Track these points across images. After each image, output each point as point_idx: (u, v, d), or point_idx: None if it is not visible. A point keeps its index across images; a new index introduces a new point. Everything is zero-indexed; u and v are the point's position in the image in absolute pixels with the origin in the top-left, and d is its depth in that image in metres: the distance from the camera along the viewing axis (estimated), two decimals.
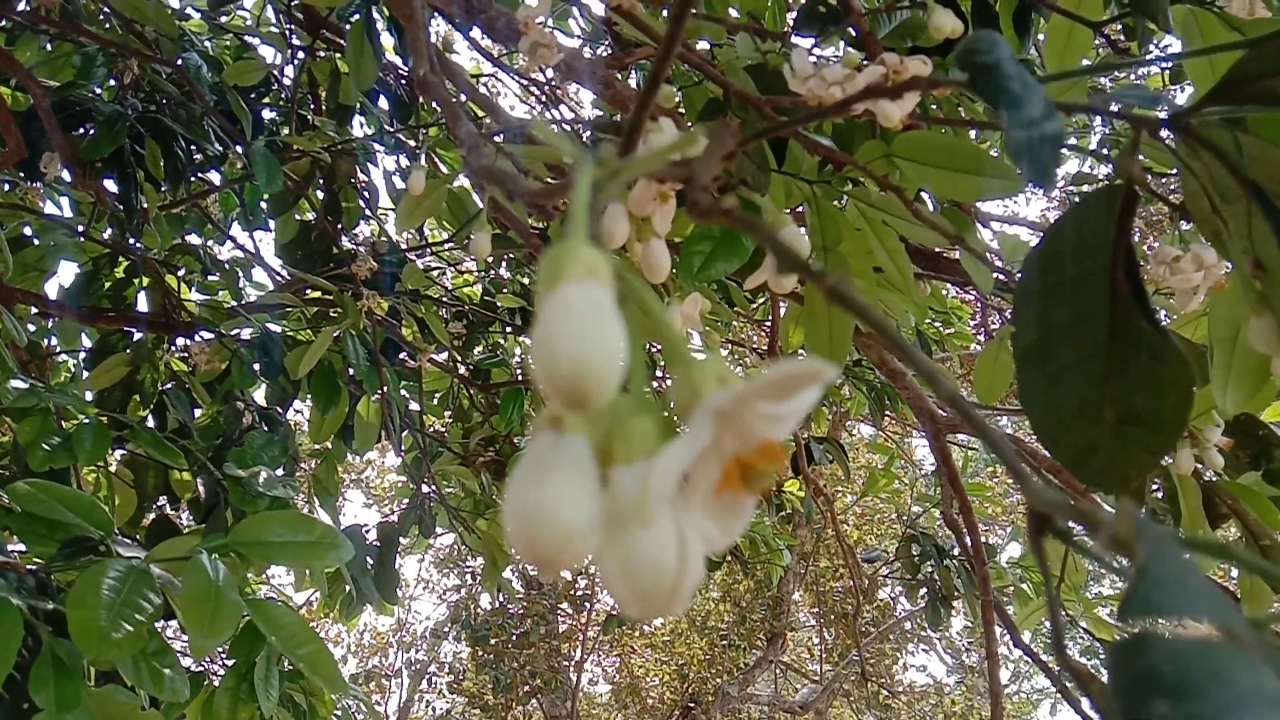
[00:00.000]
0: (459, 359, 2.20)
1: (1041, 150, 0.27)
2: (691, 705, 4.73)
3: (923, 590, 2.26)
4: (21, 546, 0.85)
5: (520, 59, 0.92)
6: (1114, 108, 0.43)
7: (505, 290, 2.18)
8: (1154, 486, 0.81)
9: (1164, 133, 0.35)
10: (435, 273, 2.28)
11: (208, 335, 1.71)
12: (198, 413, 1.73)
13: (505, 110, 1.28)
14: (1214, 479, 0.79)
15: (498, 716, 4.52)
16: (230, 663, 1.10)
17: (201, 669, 1.49)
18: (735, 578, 4.63)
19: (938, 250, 1.30)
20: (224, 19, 2.00)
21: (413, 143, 2.00)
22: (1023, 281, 0.38)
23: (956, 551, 2.17)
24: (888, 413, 2.46)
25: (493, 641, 4.57)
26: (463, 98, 1.49)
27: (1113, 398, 0.36)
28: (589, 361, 0.18)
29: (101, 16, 1.59)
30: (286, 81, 1.83)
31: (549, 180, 0.71)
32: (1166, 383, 0.35)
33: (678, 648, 5.08)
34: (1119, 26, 1.01)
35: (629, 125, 0.46)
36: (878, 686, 4.92)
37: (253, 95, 1.77)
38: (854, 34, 1.22)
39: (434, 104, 1.55)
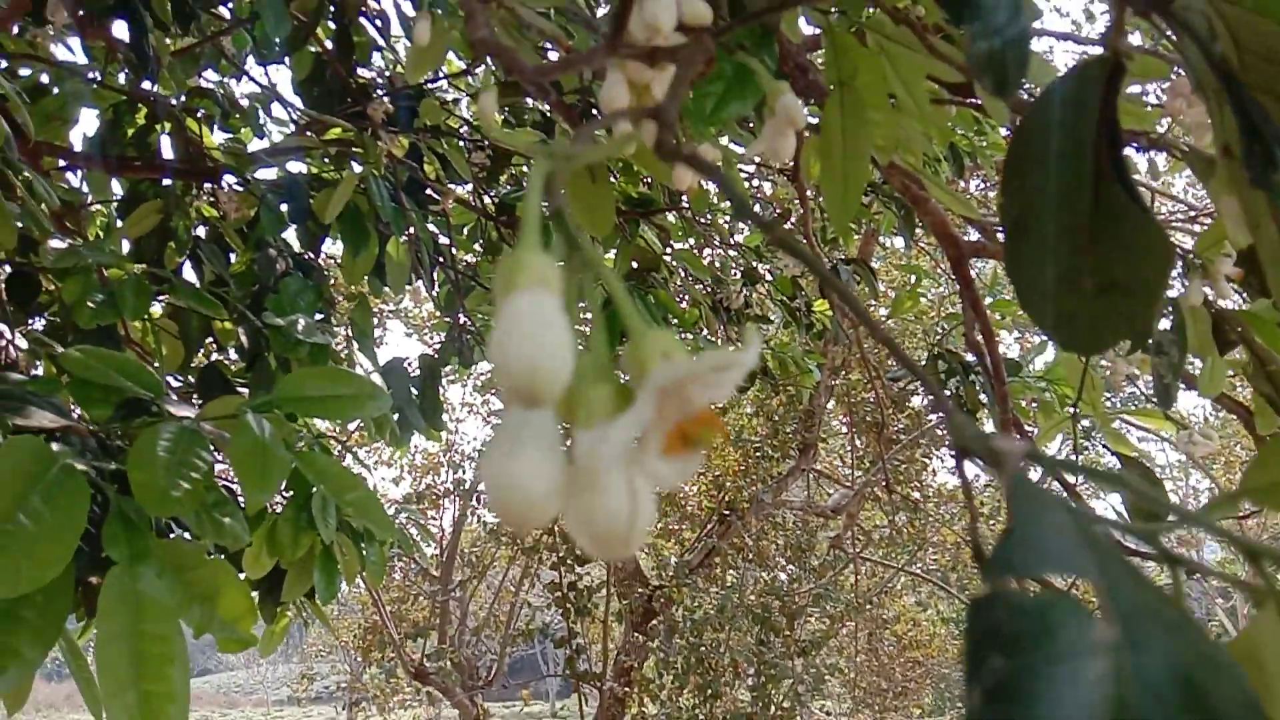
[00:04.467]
0: (483, 191, 2.19)
1: (1005, 59, 0.27)
2: (728, 512, 4.95)
3: None
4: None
5: None
6: None
7: (526, 120, 2.15)
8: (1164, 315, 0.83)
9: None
10: (453, 104, 2.24)
11: (233, 180, 1.72)
12: (234, 257, 1.76)
13: None
14: (1224, 307, 0.80)
15: (545, 526, 4.76)
16: (290, 494, 1.18)
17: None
18: (768, 394, 4.74)
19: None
20: None
21: None
22: (1010, 152, 0.39)
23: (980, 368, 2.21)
24: (919, 227, 2.45)
25: None
26: None
27: (1093, 267, 0.38)
28: (538, 366, 0.21)
29: None
30: None
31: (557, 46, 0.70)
32: (1145, 252, 0.36)
33: (714, 460, 5.27)
34: None
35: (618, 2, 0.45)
36: (905, 493, 5.10)
37: None
38: None
39: None
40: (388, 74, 2.06)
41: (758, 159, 3.00)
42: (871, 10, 0.88)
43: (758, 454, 4.93)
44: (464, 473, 5.61)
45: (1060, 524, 0.16)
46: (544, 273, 0.22)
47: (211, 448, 0.76)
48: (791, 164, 1.90)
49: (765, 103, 0.62)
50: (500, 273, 0.22)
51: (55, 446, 0.65)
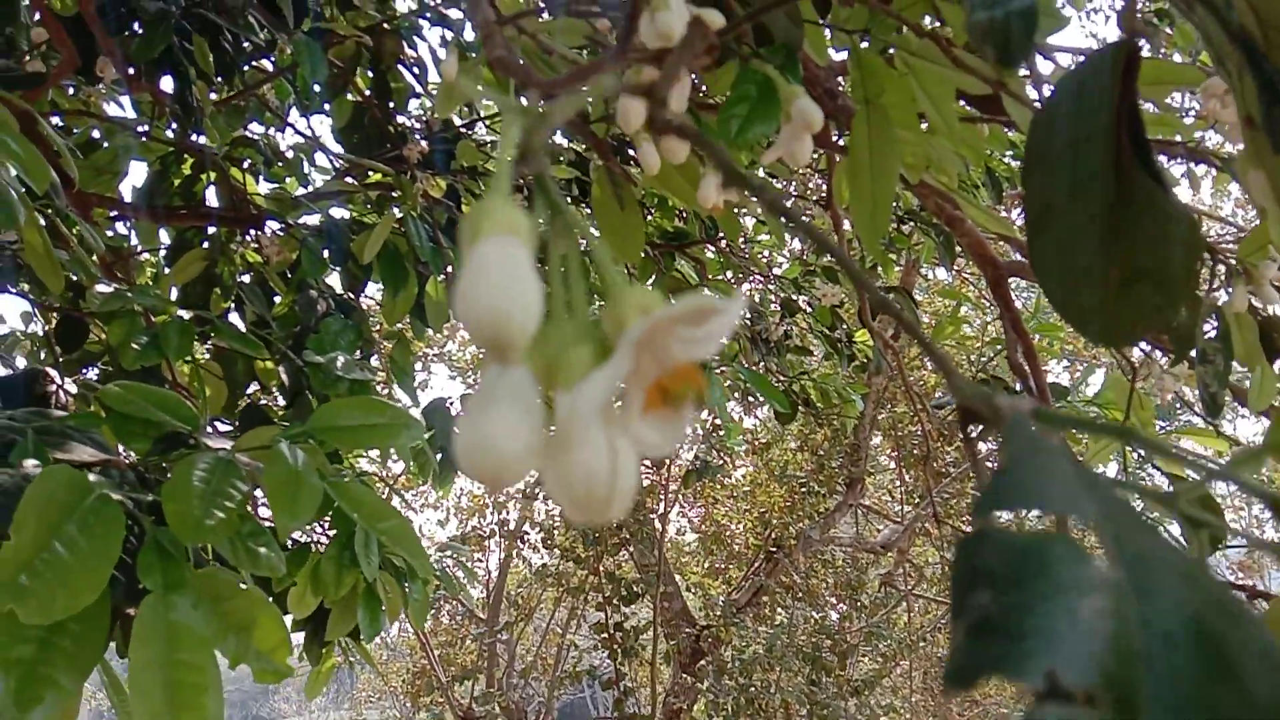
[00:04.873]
0: None
1: (1009, 30, 0.26)
2: (775, 550, 4.89)
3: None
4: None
5: None
6: None
7: (561, 160, 2.17)
8: (1209, 326, 0.80)
9: None
10: (489, 146, 2.28)
11: (276, 226, 1.75)
12: (278, 299, 1.79)
13: None
14: (1271, 314, 0.77)
15: (590, 567, 4.74)
16: (333, 533, 1.19)
17: (309, 540, 1.60)
18: (812, 428, 4.69)
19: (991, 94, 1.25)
20: None
21: (457, 14, 1.97)
22: (1029, 144, 0.38)
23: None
24: (960, 255, 2.42)
25: None
26: None
27: (1118, 258, 0.37)
28: (505, 314, 0.20)
29: None
30: None
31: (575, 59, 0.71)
32: (1172, 241, 0.35)
33: (759, 497, 5.22)
34: None
35: (629, 5, 0.45)
36: (956, 526, 5.00)
37: None
38: None
39: None
40: (425, 119, 2.10)
41: (794, 194, 2.99)
42: (897, 33, 0.88)
43: (804, 490, 4.87)
44: (508, 513, 5.63)
45: (1058, 467, 0.15)
46: (511, 220, 0.21)
47: (253, 484, 0.77)
48: (826, 192, 1.90)
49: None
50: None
51: (92, 478, 0.66)
